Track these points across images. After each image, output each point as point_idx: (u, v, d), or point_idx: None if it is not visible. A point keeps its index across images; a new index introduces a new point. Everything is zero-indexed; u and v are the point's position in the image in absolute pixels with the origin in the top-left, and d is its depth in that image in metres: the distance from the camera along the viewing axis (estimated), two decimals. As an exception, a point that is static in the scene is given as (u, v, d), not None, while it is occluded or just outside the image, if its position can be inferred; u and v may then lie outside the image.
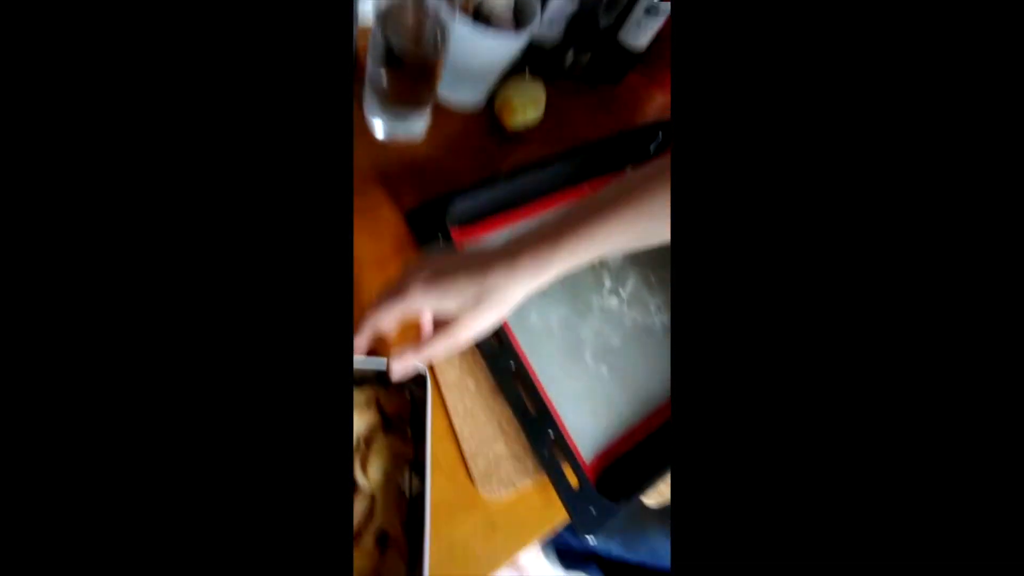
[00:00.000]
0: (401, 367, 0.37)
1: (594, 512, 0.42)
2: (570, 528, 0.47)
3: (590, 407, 0.50)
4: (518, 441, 0.46)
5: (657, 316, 0.56)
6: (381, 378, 0.42)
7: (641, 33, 0.63)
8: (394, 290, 0.35)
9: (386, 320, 0.36)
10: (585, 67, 0.66)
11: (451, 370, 0.46)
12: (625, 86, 0.71)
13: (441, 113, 0.57)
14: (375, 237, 0.49)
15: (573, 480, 0.43)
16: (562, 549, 0.82)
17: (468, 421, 0.45)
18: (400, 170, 0.52)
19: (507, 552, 0.44)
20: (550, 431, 0.44)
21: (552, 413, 0.46)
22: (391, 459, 0.40)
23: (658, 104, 0.73)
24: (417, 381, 0.40)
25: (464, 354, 0.47)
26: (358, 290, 0.47)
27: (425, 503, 0.35)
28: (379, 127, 0.53)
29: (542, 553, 0.85)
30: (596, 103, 0.68)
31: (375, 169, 0.52)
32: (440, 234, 0.46)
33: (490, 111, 0.59)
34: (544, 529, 0.45)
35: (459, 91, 0.56)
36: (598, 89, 0.69)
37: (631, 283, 0.57)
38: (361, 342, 0.37)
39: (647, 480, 0.45)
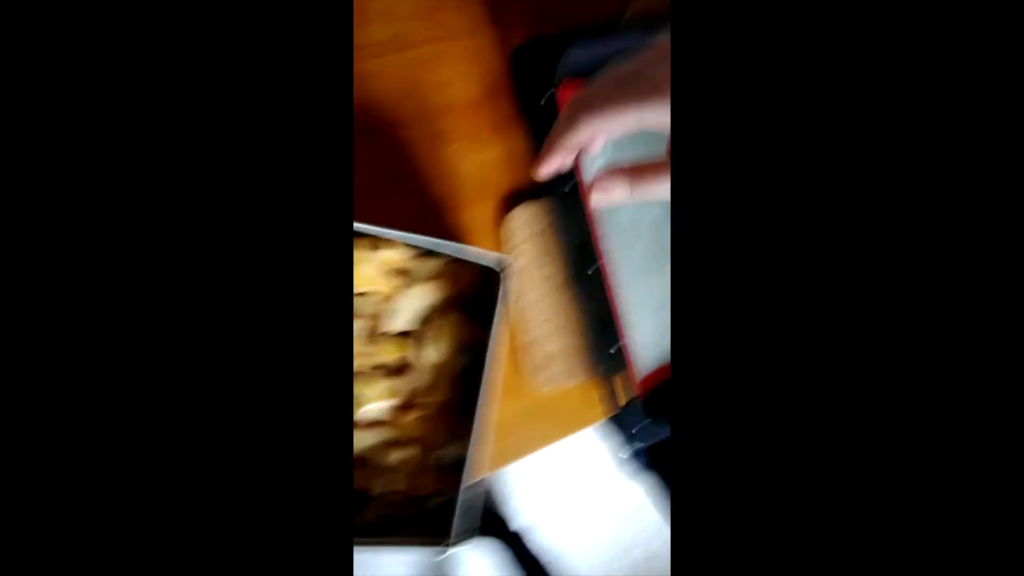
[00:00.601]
0: (604, 198, 0.29)
1: (633, 431, 0.41)
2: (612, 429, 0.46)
3: (662, 321, 0.46)
4: (576, 341, 0.43)
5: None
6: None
7: None
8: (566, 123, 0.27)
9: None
10: None
11: (523, 256, 0.41)
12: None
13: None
14: (469, 72, 0.40)
15: (621, 396, 0.41)
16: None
17: (530, 312, 0.42)
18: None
19: (540, 443, 0.44)
20: (613, 341, 0.41)
21: (619, 322, 0.42)
22: (450, 338, 0.37)
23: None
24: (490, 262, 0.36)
25: (541, 241, 0.41)
26: (446, 139, 0.39)
27: (485, 390, 0.34)
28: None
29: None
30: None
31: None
32: (545, 86, 0.37)
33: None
34: (579, 429, 0.45)
35: None
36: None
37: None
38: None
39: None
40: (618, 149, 0.37)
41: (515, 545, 0.91)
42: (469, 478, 0.34)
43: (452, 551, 0.34)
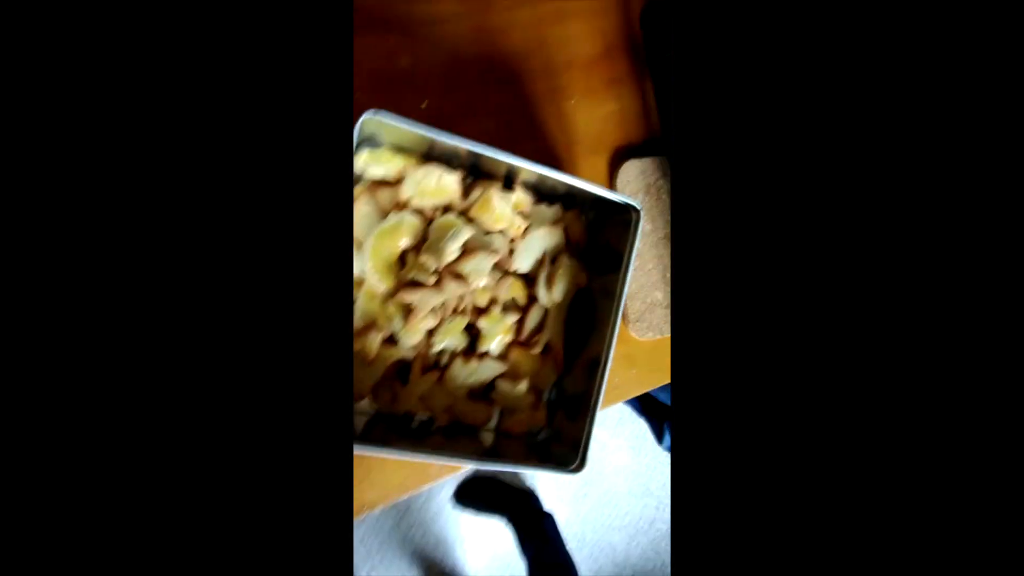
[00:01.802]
0: None
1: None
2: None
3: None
4: (675, 292, 0.45)
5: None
6: (568, 200, 0.40)
7: None
8: None
9: None
10: None
11: (633, 206, 0.44)
12: None
13: None
14: (590, 30, 0.42)
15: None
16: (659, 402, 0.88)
17: (640, 261, 0.44)
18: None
19: (639, 387, 0.46)
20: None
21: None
22: (568, 280, 0.40)
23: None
24: (607, 208, 0.38)
25: (650, 195, 0.44)
26: (565, 94, 0.42)
27: (612, 341, 0.36)
28: None
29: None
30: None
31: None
32: (671, 44, 0.39)
33: None
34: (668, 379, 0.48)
35: None
36: None
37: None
38: None
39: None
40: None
41: (545, 526, 0.93)
42: (595, 414, 0.36)
43: (576, 473, 0.36)
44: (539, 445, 0.41)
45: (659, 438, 1.07)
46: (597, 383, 0.37)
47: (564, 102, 0.42)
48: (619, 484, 1.19)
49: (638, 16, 0.39)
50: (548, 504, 1.07)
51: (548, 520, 0.94)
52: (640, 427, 1.16)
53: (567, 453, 0.37)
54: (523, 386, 0.38)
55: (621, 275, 0.37)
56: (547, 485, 1.10)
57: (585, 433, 0.36)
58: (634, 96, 0.43)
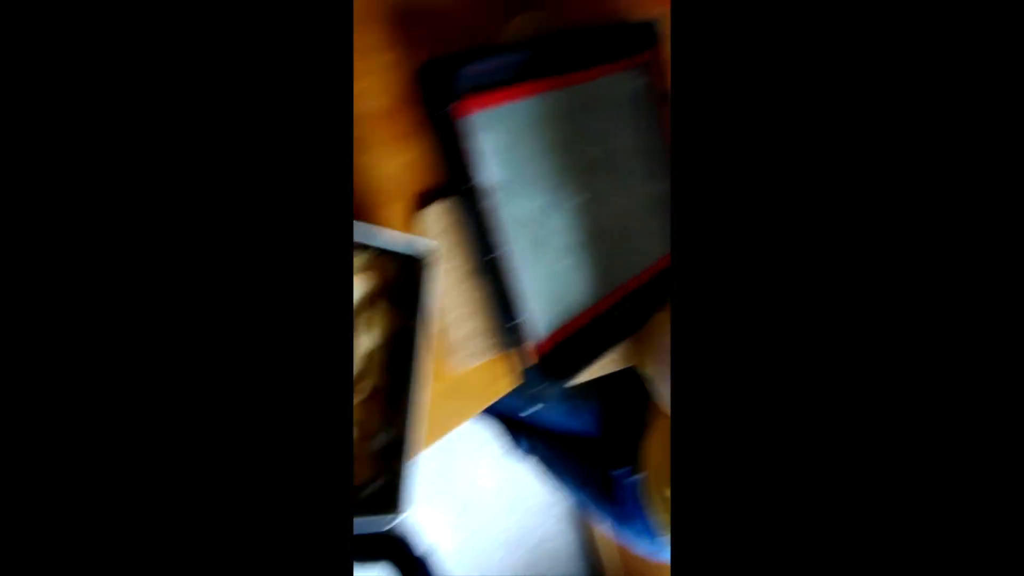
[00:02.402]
0: None
1: (533, 392, 0.49)
2: (514, 395, 0.53)
3: (550, 295, 0.54)
4: (483, 322, 0.49)
5: (613, 218, 0.60)
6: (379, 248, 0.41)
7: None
8: None
9: None
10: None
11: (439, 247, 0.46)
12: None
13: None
14: (379, 85, 0.43)
15: (527, 361, 0.48)
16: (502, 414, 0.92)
17: (444, 299, 0.47)
18: (406, 9, 0.45)
19: (458, 419, 0.49)
20: (513, 317, 0.47)
21: (518, 299, 0.49)
22: (382, 325, 0.40)
23: None
24: (413, 251, 0.40)
25: (449, 235, 0.47)
26: (361, 147, 0.42)
27: (417, 382, 0.38)
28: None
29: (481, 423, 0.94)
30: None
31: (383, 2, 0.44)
32: (446, 100, 0.43)
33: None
34: (491, 401, 0.51)
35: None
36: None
37: (598, 184, 0.59)
38: None
39: (585, 362, 0.52)
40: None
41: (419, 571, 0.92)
42: (410, 457, 0.37)
43: (398, 519, 0.37)
44: (371, 498, 0.41)
45: (517, 443, 1.12)
46: (408, 419, 0.38)
47: (359, 156, 0.42)
48: (496, 503, 1.21)
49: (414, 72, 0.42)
50: (431, 536, 1.05)
51: (427, 559, 0.92)
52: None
53: (390, 500, 0.37)
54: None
55: (419, 317, 0.39)
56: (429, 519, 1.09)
57: (401, 474, 0.37)
58: (428, 145, 0.46)
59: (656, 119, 0.66)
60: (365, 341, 0.39)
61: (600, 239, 0.59)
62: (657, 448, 0.61)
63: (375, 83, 0.43)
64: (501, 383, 0.51)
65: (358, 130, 0.42)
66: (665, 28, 0.64)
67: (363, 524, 0.35)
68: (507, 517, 1.24)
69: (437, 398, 0.47)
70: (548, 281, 0.54)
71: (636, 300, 0.61)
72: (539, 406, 0.50)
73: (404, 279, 0.43)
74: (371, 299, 0.40)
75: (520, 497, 1.26)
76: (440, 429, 0.47)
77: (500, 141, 0.49)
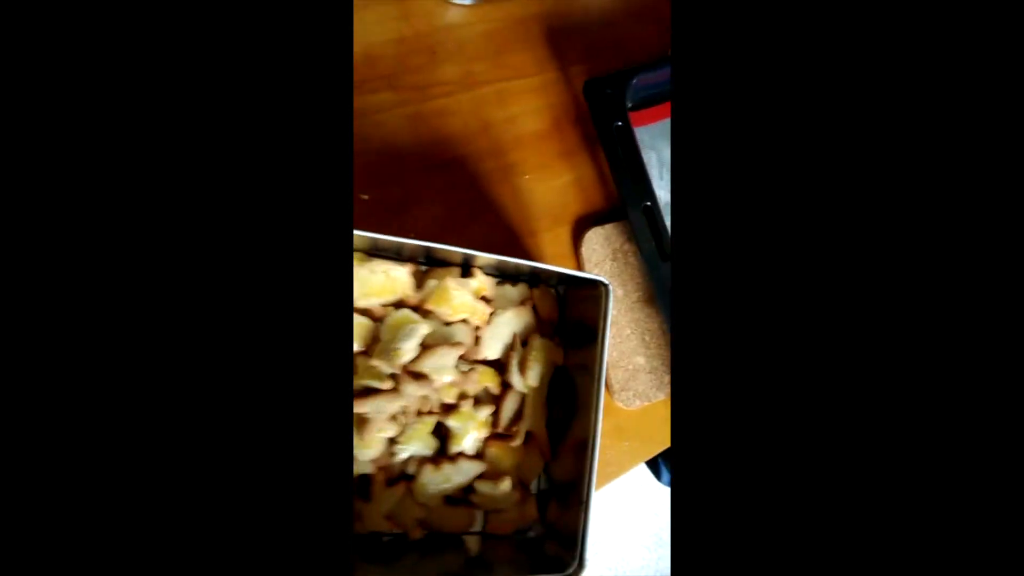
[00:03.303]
0: None
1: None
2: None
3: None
4: (658, 355, 0.43)
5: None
6: (533, 278, 0.39)
7: None
8: None
9: None
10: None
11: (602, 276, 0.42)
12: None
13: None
14: (535, 107, 0.42)
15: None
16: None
17: (617, 328, 0.43)
18: (566, 24, 0.43)
19: (632, 459, 0.43)
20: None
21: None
22: (543, 362, 0.38)
23: None
24: (574, 283, 0.37)
25: (617, 260, 0.43)
26: (522, 168, 0.41)
27: (597, 419, 0.34)
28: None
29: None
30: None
31: (543, 21, 0.43)
32: (617, 115, 0.39)
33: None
34: (666, 444, 0.45)
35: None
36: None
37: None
38: None
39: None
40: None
41: None
42: (588, 502, 0.33)
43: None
44: (531, 543, 0.37)
45: (658, 475, 1.03)
46: (587, 468, 0.34)
47: (517, 178, 0.41)
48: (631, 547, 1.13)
49: (581, 89, 0.39)
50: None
51: None
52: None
53: (563, 554, 0.33)
54: (506, 484, 0.35)
55: (598, 352, 0.35)
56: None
57: (581, 527, 0.33)
58: (588, 165, 0.43)
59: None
60: (527, 379, 0.37)
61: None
62: None
63: (530, 106, 0.42)
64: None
65: (515, 153, 0.41)
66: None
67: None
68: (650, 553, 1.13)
69: (608, 437, 0.42)
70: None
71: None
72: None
73: (565, 310, 0.40)
74: (527, 335, 0.38)
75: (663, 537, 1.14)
76: (615, 469, 0.43)
77: (668, 157, 0.44)
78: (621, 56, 0.44)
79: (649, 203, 0.39)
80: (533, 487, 0.38)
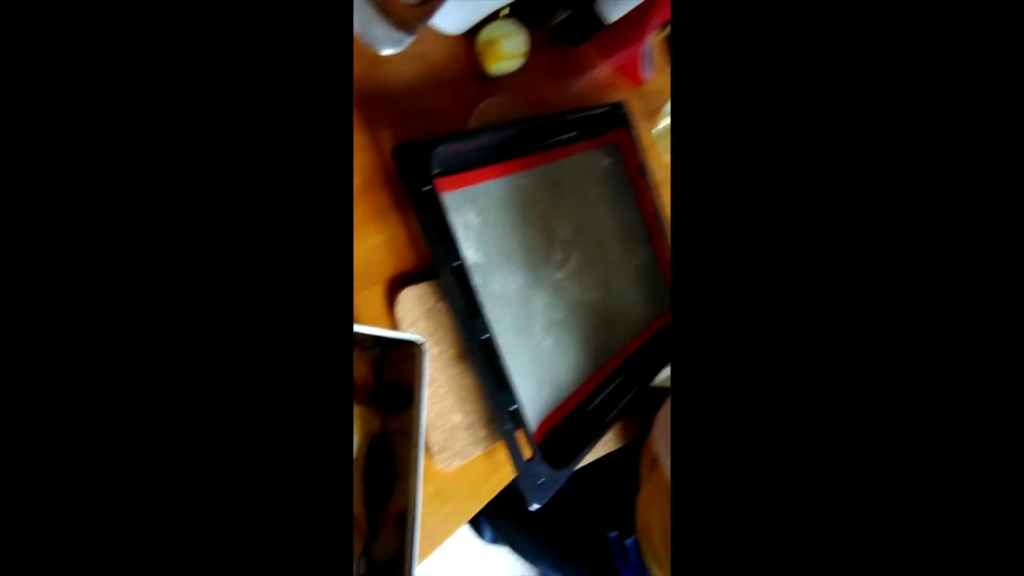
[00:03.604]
0: None
1: (543, 480, 0.44)
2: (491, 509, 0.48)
3: (536, 377, 0.50)
4: (474, 411, 0.44)
5: (593, 292, 0.59)
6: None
7: (617, 9, 0.62)
8: None
9: None
10: (558, 24, 0.62)
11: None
12: (579, 50, 0.70)
13: (423, 36, 0.49)
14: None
15: (526, 450, 0.44)
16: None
17: (429, 388, 0.42)
18: (376, 93, 0.44)
19: (455, 523, 0.43)
20: (510, 401, 0.44)
21: (511, 383, 0.45)
22: (361, 431, 0.35)
23: (603, 75, 0.73)
24: (390, 344, 0.36)
25: (431, 319, 0.43)
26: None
27: (417, 486, 0.33)
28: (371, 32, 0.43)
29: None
30: (554, 60, 0.65)
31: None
32: (424, 180, 0.41)
33: (470, 48, 0.52)
34: (488, 497, 0.46)
35: (450, 12, 0.49)
36: (557, 47, 0.66)
37: (574, 260, 0.58)
38: None
39: (585, 446, 0.48)
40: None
41: None
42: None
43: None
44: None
45: (480, 533, 1.03)
46: (408, 541, 0.33)
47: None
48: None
49: (390, 153, 0.40)
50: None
51: None
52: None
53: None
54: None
55: (415, 413, 0.34)
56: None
57: None
58: (400, 225, 0.43)
59: (630, 195, 0.67)
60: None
61: (583, 315, 0.56)
62: (650, 507, 0.56)
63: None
64: (495, 479, 0.46)
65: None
66: (630, 110, 0.66)
67: None
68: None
69: (430, 501, 0.41)
70: (535, 363, 0.51)
71: (627, 372, 0.58)
72: (548, 494, 0.44)
73: (381, 374, 0.39)
74: (347, 399, 0.36)
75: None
76: (432, 540, 0.41)
77: (472, 221, 0.47)
78: (424, 124, 0.46)
79: (458, 263, 0.41)
80: (353, 572, 0.35)
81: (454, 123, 0.50)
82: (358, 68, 0.43)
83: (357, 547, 0.35)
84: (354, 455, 0.35)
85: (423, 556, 0.39)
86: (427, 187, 0.40)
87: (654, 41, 0.79)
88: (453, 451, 0.43)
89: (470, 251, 0.46)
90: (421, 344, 0.34)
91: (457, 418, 0.43)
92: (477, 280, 0.43)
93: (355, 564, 0.35)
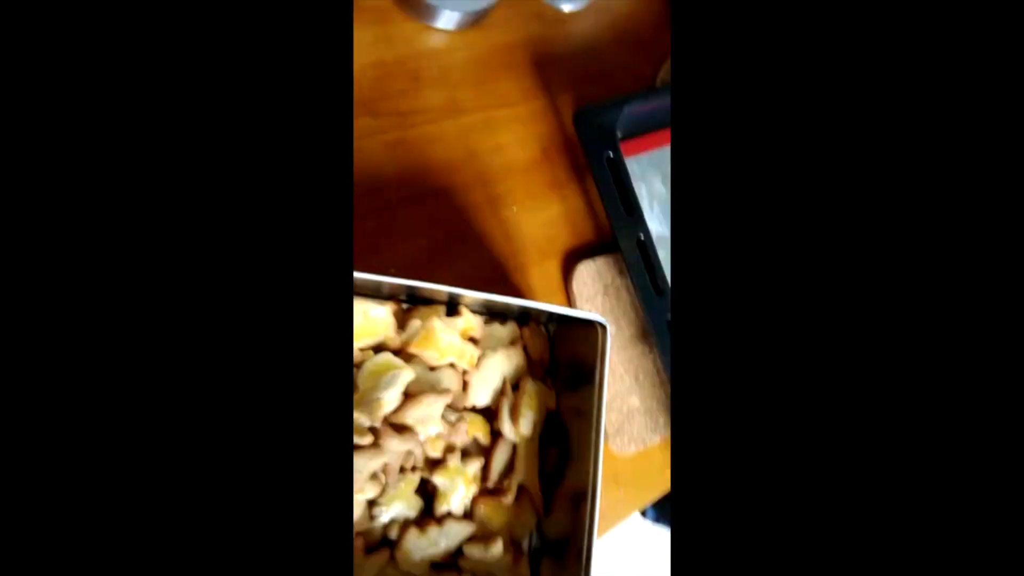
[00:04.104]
0: None
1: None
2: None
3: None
4: (653, 395, 0.41)
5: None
6: (523, 316, 0.36)
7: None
8: None
9: None
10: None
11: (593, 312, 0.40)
12: None
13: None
14: (523, 136, 0.40)
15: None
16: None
17: (611, 368, 0.40)
18: (556, 54, 0.42)
19: (628, 508, 0.41)
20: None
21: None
22: (537, 408, 0.35)
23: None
24: (567, 321, 0.34)
25: (609, 295, 0.41)
26: (509, 200, 0.39)
27: (597, 469, 0.31)
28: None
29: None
30: None
31: (528, 48, 0.41)
32: (608, 145, 0.38)
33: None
34: (663, 489, 0.42)
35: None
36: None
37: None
38: None
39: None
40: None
41: None
42: (590, 559, 0.31)
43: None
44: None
45: (642, 512, 1.01)
46: (587, 522, 0.31)
47: (504, 210, 0.39)
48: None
49: (570, 119, 0.38)
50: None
51: None
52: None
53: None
54: (498, 546, 0.32)
55: (596, 395, 0.32)
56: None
57: None
58: (578, 197, 0.41)
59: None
60: (513, 433, 0.34)
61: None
62: None
63: (521, 132, 0.40)
64: (668, 471, 0.42)
65: (503, 184, 0.39)
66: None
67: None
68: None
69: (604, 485, 0.39)
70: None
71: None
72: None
73: (557, 350, 0.38)
74: (517, 379, 0.35)
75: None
76: (604, 524, 0.40)
77: (658, 189, 0.43)
78: (607, 84, 0.43)
79: (643, 236, 0.38)
80: (525, 546, 0.35)
81: (641, 80, 0.45)
82: (537, 29, 0.42)
83: (530, 521, 0.35)
84: (529, 432, 0.34)
85: (600, 534, 0.38)
86: (610, 152, 0.37)
87: None
88: (629, 435, 0.40)
89: (654, 223, 0.42)
90: (603, 325, 0.32)
91: (634, 402, 0.41)
92: (662, 255, 0.39)
93: (528, 538, 0.35)
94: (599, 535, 0.39)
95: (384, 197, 0.37)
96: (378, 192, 0.36)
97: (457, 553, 0.32)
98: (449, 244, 0.38)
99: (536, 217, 0.40)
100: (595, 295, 0.40)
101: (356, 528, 0.29)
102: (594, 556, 0.31)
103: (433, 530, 0.30)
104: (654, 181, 0.43)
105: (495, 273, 0.39)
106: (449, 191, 0.38)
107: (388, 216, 0.36)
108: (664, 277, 0.38)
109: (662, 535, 1.11)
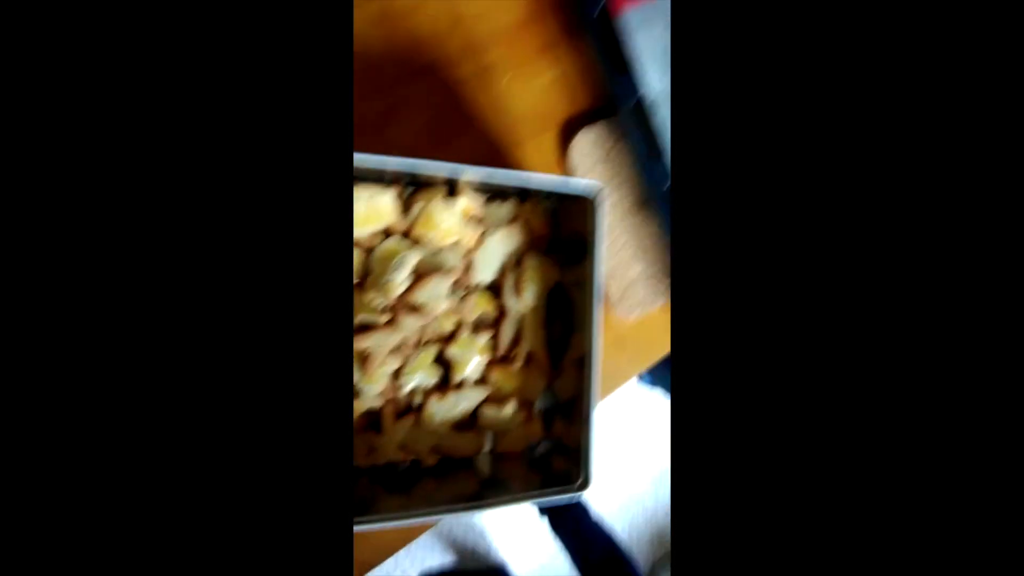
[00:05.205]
0: None
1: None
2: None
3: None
4: (655, 262, 0.42)
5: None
6: (523, 193, 0.36)
7: None
8: None
9: None
10: None
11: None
12: None
13: None
14: (505, -5, 0.37)
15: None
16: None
17: (611, 237, 0.41)
18: None
19: (632, 369, 0.44)
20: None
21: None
22: (539, 281, 0.36)
23: None
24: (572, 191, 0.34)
25: (608, 164, 0.40)
26: (498, 70, 0.37)
27: (594, 335, 0.33)
28: None
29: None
30: None
31: None
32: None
33: None
34: (666, 349, 0.45)
35: None
36: None
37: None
38: None
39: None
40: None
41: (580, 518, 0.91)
42: (590, 417, 0.33)
43: (582, 493, 0.34)
44: (540, 460, 0.38)
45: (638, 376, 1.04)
46: (587, 384, 0.34)
47: (497, 81, 0.37)
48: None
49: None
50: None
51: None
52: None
53: (570, 468, 0.34)
54: (510, 407, 0.35)
55: (592, 265, 0.33)
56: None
57: (583, 443, 0.33)
58: (572, 58, 0.39)
59: None
60: (524, 301, 0.35)
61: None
62: None
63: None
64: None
65: (492, 53, 0.37)
66: None
67: (548, 498, 0.32)
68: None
69: (607, 349, 0.42)
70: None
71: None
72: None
73: (558, 225, 0.38)
74: (519, 255, 0.36)
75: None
76: (611, 384, 0.43)
77: (659, 43, 0.40)
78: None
79: (637, 97, 0.36)
80: (537, 405, 0.38)
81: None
82: None
83: (539, 384, 0.37)
84: (533, 305, 0.36)
85: (602, 396, 0.41)
86: (599, 9, 0.34)
87: None
88: (634, 301, 0.42)
89: (657, 79, 0.40)
90: (595, 195, 0.32)
91: (638, 268, 0.42)
92: (663, 114, 0.38)
93: (537, 402, 0.38)
94: (608, 393, 0.43)
95: (380, 76, 0.35)
96: (374, 71, 0.35)
97: (475, 414, 0.35)
98: (445, 124, 0.37)
99: (530, 85, 0.38)
100: (595, 164, 0.39)
101: (385, 396, 0.32)
102: (596, 415, 0.34)
103: (452, 395, 0.33)
104: (656, 28, 0.39)
105: (491, 151, 0.38)
106: (439, 66, 0.36)
107: (386, 96, 0.35)
108: (656, 144, 0.37)
109: (658, 399, 1.18)
